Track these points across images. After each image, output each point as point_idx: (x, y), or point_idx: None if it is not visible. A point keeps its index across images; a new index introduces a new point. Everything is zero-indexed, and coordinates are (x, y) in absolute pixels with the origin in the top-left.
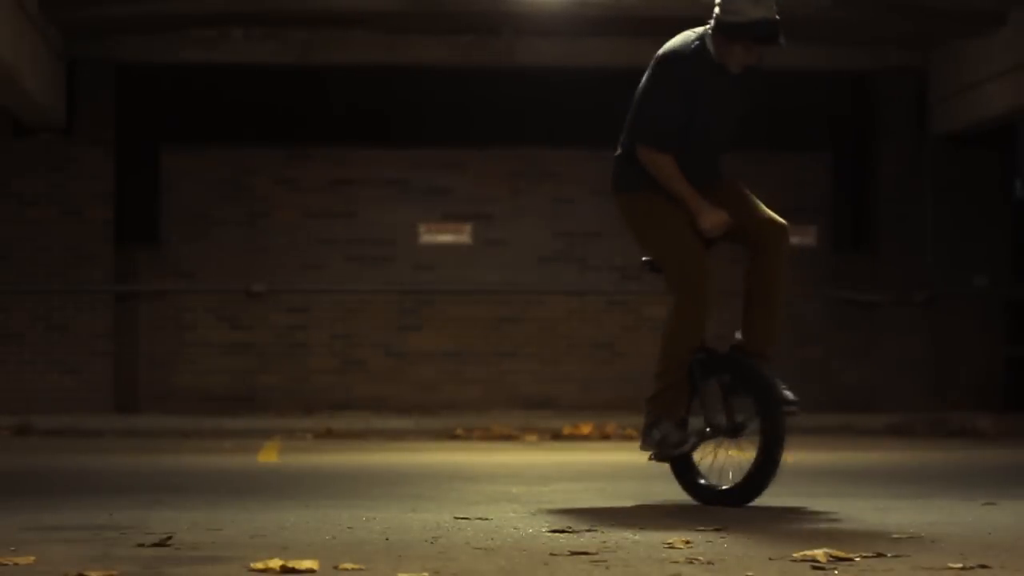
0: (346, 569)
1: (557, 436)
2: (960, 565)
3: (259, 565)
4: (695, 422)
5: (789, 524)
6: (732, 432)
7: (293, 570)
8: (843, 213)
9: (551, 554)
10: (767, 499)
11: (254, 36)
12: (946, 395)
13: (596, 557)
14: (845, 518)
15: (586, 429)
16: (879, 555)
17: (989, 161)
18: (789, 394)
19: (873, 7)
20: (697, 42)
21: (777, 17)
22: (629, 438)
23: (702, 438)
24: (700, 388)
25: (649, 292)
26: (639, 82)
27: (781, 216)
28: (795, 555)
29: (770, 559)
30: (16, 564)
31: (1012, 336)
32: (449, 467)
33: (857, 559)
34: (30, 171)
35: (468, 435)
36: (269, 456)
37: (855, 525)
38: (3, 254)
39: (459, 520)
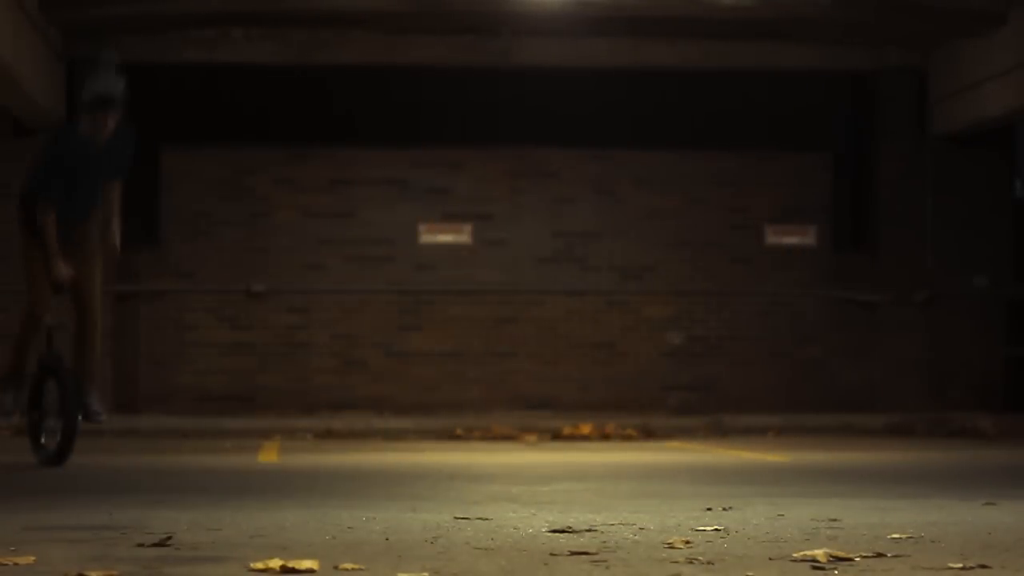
0: (346, 569)
1: (557, 436)
2: (960, 565)
3: (259, 565)
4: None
5: (789, 524)
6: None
7: (293, 570)
8: (843, 213)
9: (551, 554)
10: (767, 499)
11: (254, 36)
12: (946, 395)
13: (596, 557)
14: (845, 518)
15: (586, 429)
16: (879, 555)
17: (989, 161)
18: (96, 408)
19: (873, 7)
20: (70, 124)
21: (112, 91)
22: (629, 438)
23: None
24: (40, 378)
25: (649, 292)
26: (639, 82)
27: (782, 215)
28: (795, 555)
29: (770, 559)
30: (16, 564)
31: (1012, 336)
32: (449, 467)
33: (857, 559)
34: None
35: (468, 435)
36: (269, 456)
37: (855, 525)
38: (3, 254)
39: (459, 520)
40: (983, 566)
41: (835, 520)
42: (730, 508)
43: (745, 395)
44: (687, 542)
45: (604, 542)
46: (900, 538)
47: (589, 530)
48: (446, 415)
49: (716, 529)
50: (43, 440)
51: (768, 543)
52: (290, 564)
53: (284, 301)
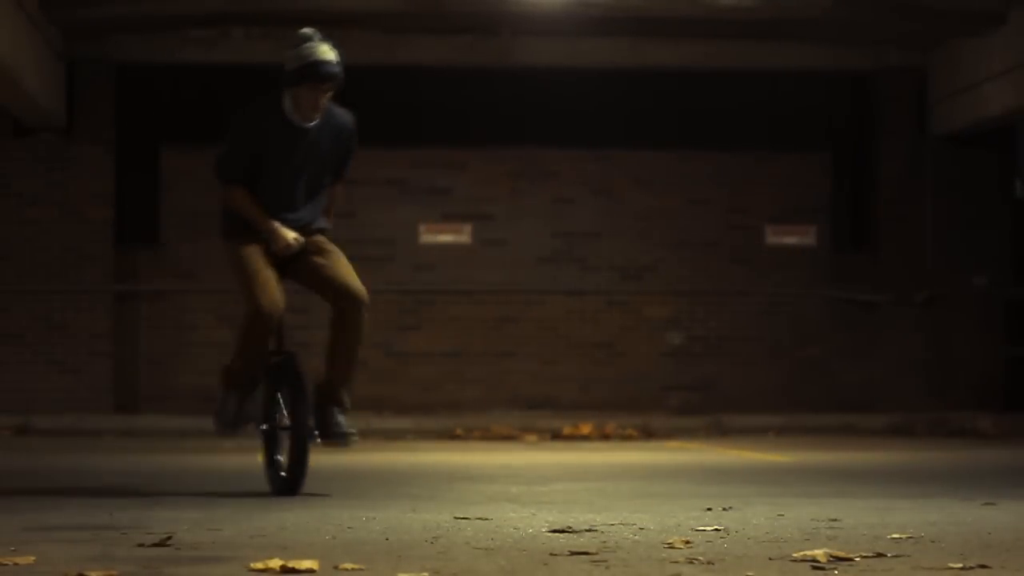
0: (346, 569)
1: (557, 436)
2: (960, 565)
3: (259, 565)
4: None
5: (789, 524)
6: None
7: (293, 570)
8: (843, 213)
9: (551, 554)
10: (767, 499)
11: (254, 36)
12: (946, 395)
13: (596, 557)
14: (845, 518)
15: (586, 429)
16: (879, 555)
17: (989, 161)
18: (342, 428)
19: (873, 7)
20: (273, 100)
21: (335, 59)
22: (629, 438)
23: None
24: (271, 386)
25: (649, 292)
26: (639, 82)
27: (782, 215)
28: (795, 555)
29: (770, 559)
30: (16, 564)
31: (1012, 336)
32: (449, 467)
33: (857, 559)
34: (30, 171)
35: (468, 435)
36: None
37: (855, 525)
38: (3, 254)
39: (459, 520)
40: (983, 566)
41: (835, 520)
42: (730, 508)
43: (745, 395)
44: (687, 542)
45: (604, 542)
46: (900, 538)
47: (589, 530)
48: (446, 415)
49: (716, 529)
50: (277, 464)
51: (768, 543)
52: (290, 564)
53: None
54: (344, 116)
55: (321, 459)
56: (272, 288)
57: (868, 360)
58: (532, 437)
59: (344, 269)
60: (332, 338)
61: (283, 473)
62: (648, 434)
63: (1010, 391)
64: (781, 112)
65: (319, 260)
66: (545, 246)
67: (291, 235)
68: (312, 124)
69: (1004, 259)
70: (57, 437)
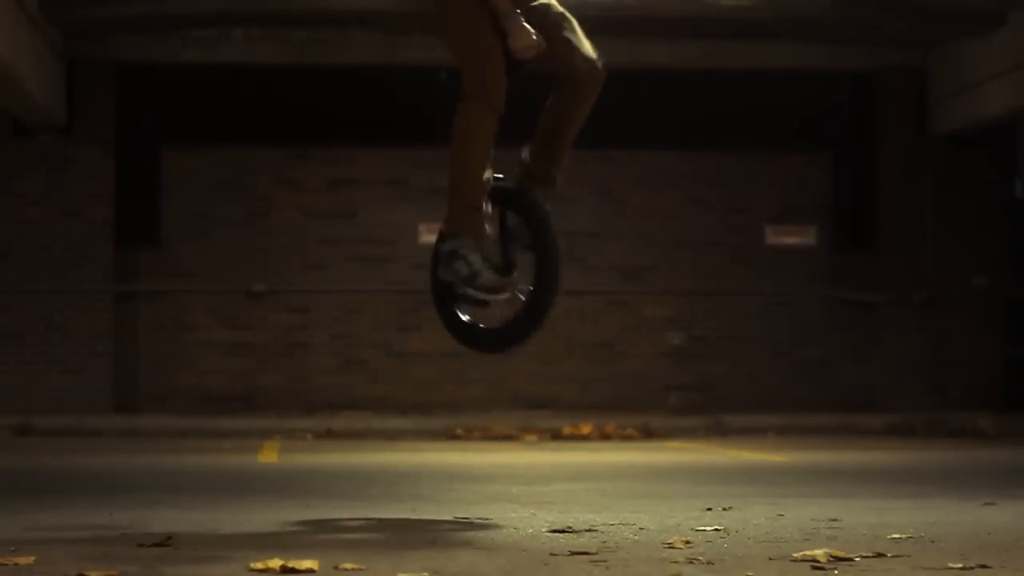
0: (346, 569)
1: (557, 436)
2: (960, 565)
3: (259, 565)
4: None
5: (789, 524)
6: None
7: (293, 570)
8: (843, 213)
9: (551, 554)
10: (767, 499)
11: (254, 36)
12: (946, 395)
13: (596, 557)
14: (845, 518)
15: (586, 429)
16: (879, 555)
17: (989, 161)
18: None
19: (873, 7)
20: None
21: None
22: (629, 438)
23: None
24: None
25: (649, 292)
26: (639, 82)
27: (782, 215)
28: (795, 555)
29: (770, 559)
30: (16, 564)
31: (1012, 336)
32: (449, 467)
33: (857, 559)
34: (30, 171)
35: (468, 435)
36: (269, 456)
37: (855, 525)
38: (3, 254)
39: (459, 520)
40: (983, 566)
41: (835, 520)
42: (730, 508)
43: (745, 395)
44: (687, 542)
45: (604, 542)
46: (900, 538)
47: (589, 530)
48: (446, 415)
49: (716, 529)
50: (464, 312)
51: (768, 543)
52: (290, 564)
53: (284, 301)
54: None
55: (321, 459)
56: (503, 83)
57: (868, 360)
58: (532, 437)
59: (578, 32)
60: (561, 111)
61: (479, 319)
62: (648, 434)
63: (1010, 391)
64: (781, 112)
65: (550, 27)
66: None
67: (535, 39)
68: None
69: (1004, 259)
70: (57, 437)
